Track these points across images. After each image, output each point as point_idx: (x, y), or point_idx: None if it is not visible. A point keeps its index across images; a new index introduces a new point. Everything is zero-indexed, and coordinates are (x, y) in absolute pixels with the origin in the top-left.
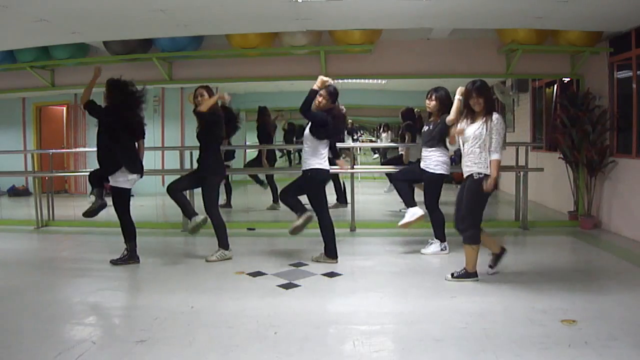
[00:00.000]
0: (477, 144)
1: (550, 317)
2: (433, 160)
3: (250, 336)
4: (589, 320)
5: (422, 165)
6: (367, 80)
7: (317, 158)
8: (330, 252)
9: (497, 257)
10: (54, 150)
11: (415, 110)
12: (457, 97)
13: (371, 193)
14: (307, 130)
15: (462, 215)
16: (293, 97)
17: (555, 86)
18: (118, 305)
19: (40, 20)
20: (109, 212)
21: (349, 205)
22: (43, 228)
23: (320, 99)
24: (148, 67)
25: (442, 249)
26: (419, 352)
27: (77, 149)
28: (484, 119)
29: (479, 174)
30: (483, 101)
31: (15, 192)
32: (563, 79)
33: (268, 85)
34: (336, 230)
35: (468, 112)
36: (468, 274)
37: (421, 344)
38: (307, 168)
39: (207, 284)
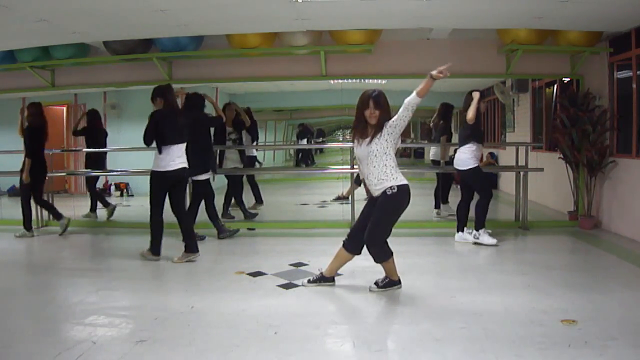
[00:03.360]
0: (378, 161)
1: (550, 317)
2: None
3: (250, 336)
4: (589, 320)
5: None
6: (367, 80)
7: (155, 160)
8: (154, 249)
9: (390, 283)
10: (54, 150)
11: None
12: (475, 101)
13: None
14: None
15: (371, 232)
16: (293, 97)
17: (555, 86)
18: (118, 305)
19: (40, 20)
20: None
21: (349, 205)
22: (43, 228)
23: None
24: (148, 67)
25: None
26: (419, 352)
27: (77, 149)
28: (378, 133)
29: (391, 188)
30: (379, 114)
31: (15, 192)
32: (563, 79)
33: (268, 85)
34: (336, 230)
35: (358, 126)
36: (392, 282)
37: (421, 344)
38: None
39: (207, 284)
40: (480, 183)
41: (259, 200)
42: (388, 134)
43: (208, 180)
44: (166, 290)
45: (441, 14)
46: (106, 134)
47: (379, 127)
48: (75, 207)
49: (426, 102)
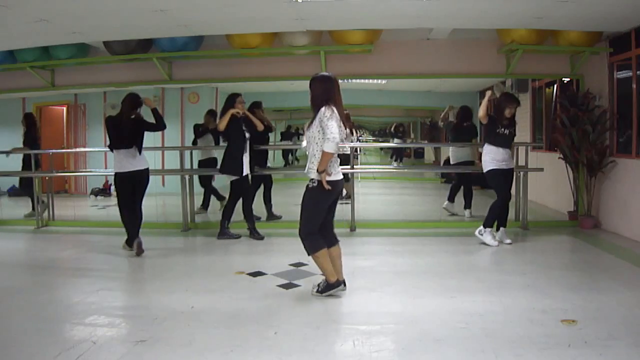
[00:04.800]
0: (314, 147)
1: (550, 317)
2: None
3: (250, 336)
4: (589, 320)
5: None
6: (367, 80)
7: (114, 162)
8: (128, 241)
9: (327, 287)
10: (54, 150)
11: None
12: (486, 99)
13: (371, 193)
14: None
15: (299, 225)
16: (293, 97)
17: (555, 86)
18: (118, 305)
19: (40, 20)
20: (109, 213)
21: (349, 205)
22: (43, 228)
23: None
24: (148, 67)
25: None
26: (419, 352)
27: (77, 149)
28: (314, 119)
29: (312, 181)
30: (310, 95)
31: (15, 192)
32: (563, 79)
33: (268, 85)
34: (336, 230)
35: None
36: (330, 285)
37: (421, 344)
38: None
39: (207, 284)
40: (496, 186)
41: (205, 205)
42: (319, 126)
43: (243, 179)
44: (166, 290)
45: (441, 14)
46: (39, 137)
47: (315, 112)
48: (75, 207)
49: (426, 103)
